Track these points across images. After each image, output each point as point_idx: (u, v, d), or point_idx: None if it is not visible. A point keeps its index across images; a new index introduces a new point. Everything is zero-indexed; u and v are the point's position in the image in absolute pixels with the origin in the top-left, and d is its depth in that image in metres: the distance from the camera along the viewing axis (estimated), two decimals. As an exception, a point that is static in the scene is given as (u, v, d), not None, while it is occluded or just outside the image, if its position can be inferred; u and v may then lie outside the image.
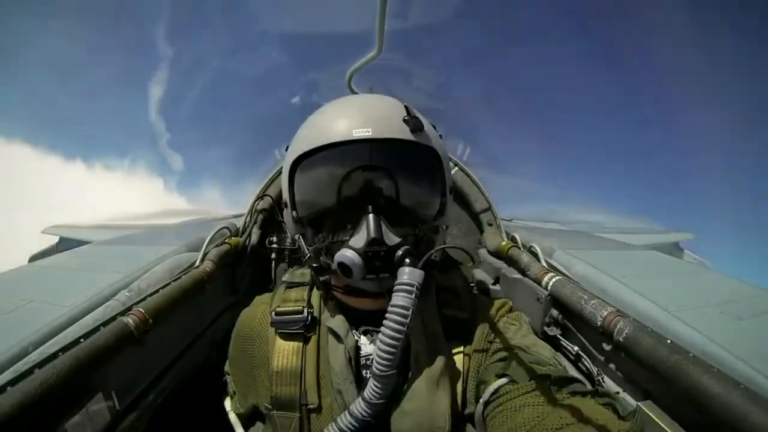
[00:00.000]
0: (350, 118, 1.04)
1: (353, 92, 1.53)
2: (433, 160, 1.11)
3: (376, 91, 1.23)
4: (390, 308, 0.93)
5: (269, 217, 2.68)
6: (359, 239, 0.99)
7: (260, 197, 2.66)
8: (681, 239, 5.96)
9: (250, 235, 2.52)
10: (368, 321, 1.16)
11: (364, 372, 1.12)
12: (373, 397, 0.97)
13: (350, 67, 1.60)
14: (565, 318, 1.82)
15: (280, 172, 2.74)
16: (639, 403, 1.30)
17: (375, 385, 0.97)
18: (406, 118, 1.05)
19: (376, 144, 1.03)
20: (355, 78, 1.55)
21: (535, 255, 2.21)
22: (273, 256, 2.68)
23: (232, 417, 1.32)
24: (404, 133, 1.04)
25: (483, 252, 2.68)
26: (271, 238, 2.68)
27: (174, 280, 1.71)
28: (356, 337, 1.15)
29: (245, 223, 2.59)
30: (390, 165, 1.05)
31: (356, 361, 1.12)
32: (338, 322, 1.14)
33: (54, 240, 4.97)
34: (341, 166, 1.04)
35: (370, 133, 1.01)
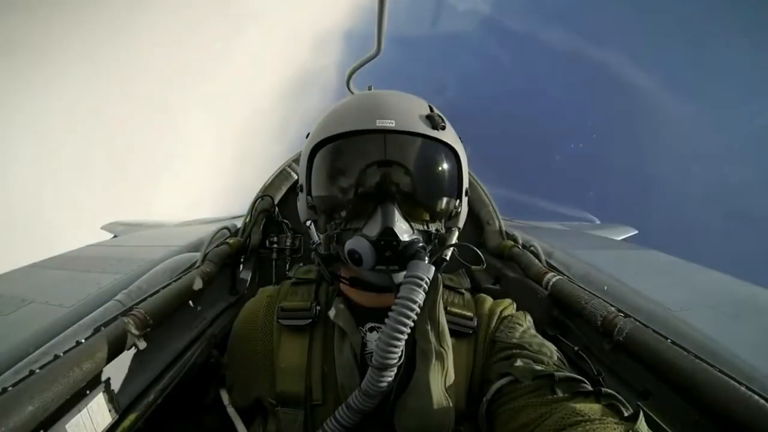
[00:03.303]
0: (374, 108, 1.05)
1: (352, 92, 1.53)
2: (452, 160, 1.12)
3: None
4: (397, 300, 0.93)
5: (269, 218, 2.68)
6: (372, 228, 0.99)
7: (260, 197, 2.65)
8: (625, 235, 6.04)
9: (250, 235, 2.52)
10: (375, 318, 1.16)
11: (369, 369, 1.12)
12: (370, 389, 0.97)
13: (349, 67, 1.61)
14: (565, 318, 1.81)
15: (280, 172, 2.74)
16: (639, 403, 1.30)
17: (373, 377, 0.97)
18: (429, 114, 1.05)
19: (399, 136, 1.03)
20: (354, 78, 1.55)
21: (535, 255, 2.21)
22: (273, 256, 2.68)
23: (231, 411, 1.31)
24: (427, 129, 1.04)
25: (482, 252, 2.68)
26: (271, 239, 2.68)
27: (174, 281, 1.71)
28: (362, 334, 1.14)
29: (245, 223, 2.58)
30: (410, 158, 1.05)
31: (362, 358, 1.12)
32: (345, 319, 1.13)
33: (110, 236, 4.70)
34: (362, 155, 1.05)
35: (393, 125, 1.02)
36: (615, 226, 6.49)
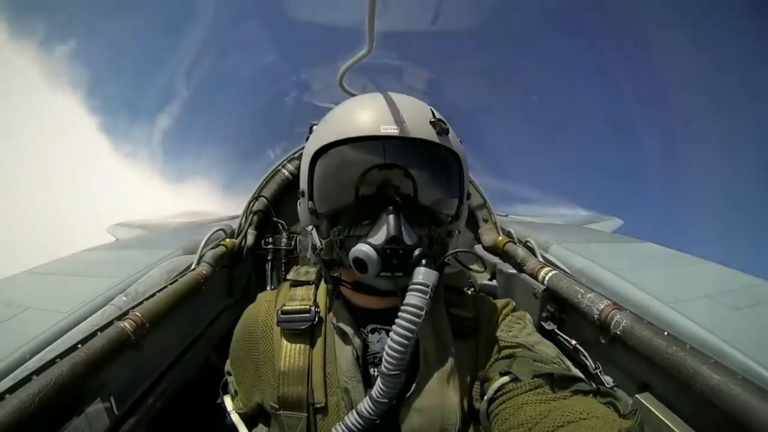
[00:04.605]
0: (378, 114, 1.05)
1: (345, 91, 1.52)
2: (454, 165, 1.11)
3: (369, 90, 1.22)
4: (403, 307, 0.93)
5: (264, 218, 2.67)
6: (378, 236, 0.99)
7: (255, 198, 2.65)
8: (613, 227, 6.09)
9: (245, 236, 2.51)
10: (376, 319, 1.16)
11: (371, 370, 1.12)
12: (380, 396, 0.98)
13: (341, 66, 1.60)
14: (562, 312, 1.83)
15: (274, 173, 2.74)
16: (637, 395, 1.31)
17: (383, 384, 0.97)
18: (432, 120, 1.05)
19: (402, 142, 1.03)
20: (347, 77, 1.54)
21: (531, 250, 2.22)
22: (269, 257, 2.68)
23: (235, 417, 1.31)
24: (430, 134, 1.04)
25: (479, 248, 2.69)
26: (266, 239, 2.68)
27: (170, 284, 1.70)
28: (364, 336, 1.14)
29: (240, 224, 2.58)
30: (414, 165, 1.05)
31: (363, 360, 1.12)
32: (346, 321, 1.13)
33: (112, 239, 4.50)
34: (365, 161, 1.04)
35: (397, 131, 1.01)
36: (603, 218, 6.55)
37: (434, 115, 1.07)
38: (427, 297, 0.93)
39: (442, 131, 1.05)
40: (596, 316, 1.49)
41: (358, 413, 1.01)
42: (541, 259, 2.11)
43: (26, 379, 1.00)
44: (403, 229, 0.99)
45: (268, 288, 2.66)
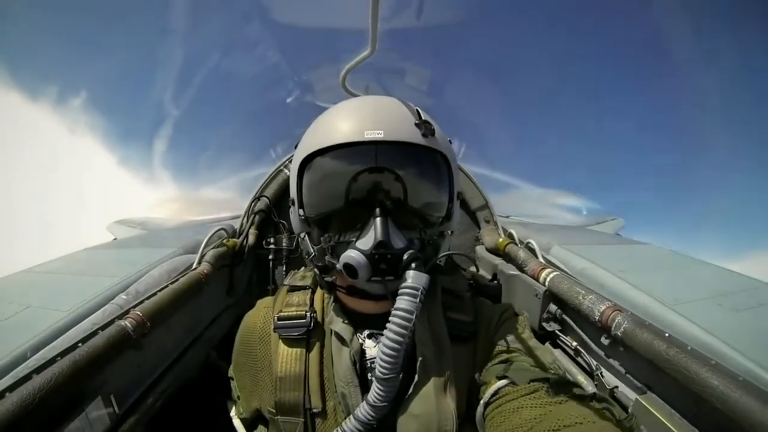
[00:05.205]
0: (362, 119, 1.04)
1: (348, 92, 1.52)
2: (442, 166, 1.11)
3: (371, 90, 1.22)
4: (394, 311, 0.93)
5: (266, 218, 2.68)
6: (366, 241, 0.99)
7: (257, 198, 2.65)
8: (617, 228, 6.07)
9: (247, 236, 2.52)
10: (372, 324, 1.16)
11: (368, 375, 1.12)
12: (376, 401, 0.98)
13: (344, 67, 1.60)
14: (564, 313, 1.82)
15: (276, 173, 2.74)
16: (638, 397, 1.31)
17: (378, 389, 0.97)
18: (417, 122, 1.04)
19: (387, 146, 1.02)
20: (349, 78, 1.54)
21: (532, 251, 2.22)
22: (270, 257, 2.69)
23: (236, 422, 1.32)
24: (416, 137, 1.03)
25: (480, 249, 2.69)
26: (268, 239, 2.68)
27: (171, 283, 1.70)
28: (360, 341, 1.14)
29: (242, 224, 2.58)
30: (400, 168, 1.04)
31: (361, 365, 1.12)
32: (342, 326, 1.13)
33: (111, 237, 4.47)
34: (351, 167, 1.03)
35: (381, 135, 1.00)
36: (606, 219, 6.56)
37: (420, 117, 1.06)
38: (417, 300, 0.93)
39: (428, 132, 1.04)
40: (597, 318, 1.49)
41: (355, 418, 1.01)
42: (542, 261, 2.10)
43: (27, 377, 1.01)
44: (391, 233, 0.98)
45: (269, 288, 2.67)
